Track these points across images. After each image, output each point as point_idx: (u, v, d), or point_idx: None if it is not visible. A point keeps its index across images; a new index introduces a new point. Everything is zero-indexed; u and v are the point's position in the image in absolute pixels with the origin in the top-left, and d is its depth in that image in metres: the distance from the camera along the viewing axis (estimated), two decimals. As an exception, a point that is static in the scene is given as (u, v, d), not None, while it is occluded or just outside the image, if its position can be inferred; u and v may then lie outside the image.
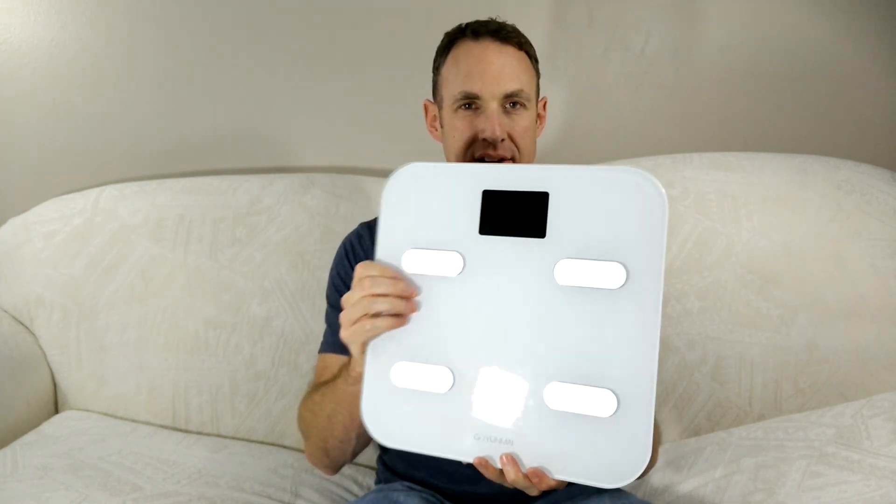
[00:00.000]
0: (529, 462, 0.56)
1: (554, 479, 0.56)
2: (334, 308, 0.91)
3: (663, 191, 0.53)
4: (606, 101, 1.32)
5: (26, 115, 1.32)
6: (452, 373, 0.59)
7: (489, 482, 0.85)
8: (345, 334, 0.63)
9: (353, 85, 1.32)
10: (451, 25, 0.92)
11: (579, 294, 0.55)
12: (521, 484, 0.58)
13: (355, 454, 0.84)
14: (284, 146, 1.35)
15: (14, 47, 1.28)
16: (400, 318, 0.60)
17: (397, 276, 0.61)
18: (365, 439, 0.81)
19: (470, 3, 1.26)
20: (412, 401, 0.60)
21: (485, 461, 0.58)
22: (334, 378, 0.78)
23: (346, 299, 0.62)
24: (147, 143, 1.34)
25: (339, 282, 0.92)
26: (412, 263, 0.61)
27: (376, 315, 0.60)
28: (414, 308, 0.60)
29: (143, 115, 1.33)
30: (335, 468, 0.86)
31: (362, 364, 0.62)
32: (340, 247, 0.95)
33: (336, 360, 0.86)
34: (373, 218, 0.97)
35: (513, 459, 0.57)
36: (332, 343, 0.88)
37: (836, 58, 1.28)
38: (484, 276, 0.58)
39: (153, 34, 1.29)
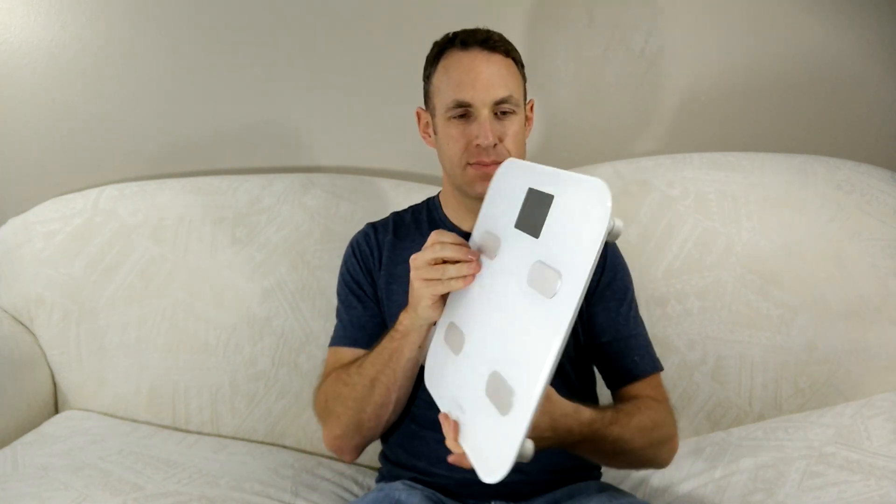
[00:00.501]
0: (465, 436, 0.62)
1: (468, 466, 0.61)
2: (344, 305, 0.95)
3: (607, 207, 0.53)
4: (606, 101, 1.32)
5: (26, 115, 1.32)
6: (464, 340, 0.69)
7: None
8: (418, 285, 0.73)
9: (353, 85, 1.32)
10: (452, 27, 0.94)
11: (531, 297, 0.60)
12: (451, 447, 0.64)
13: (388, 425, 0.88)
14: (284, 146, 1.35)
15: (14, 47, 1.28)
16: (468, 279, 0.70)
17: (463, 243, 0.72)
18: (402, 405, 0.87)
19: (471, 5, 1.27)
20: (444, 356, 0.72)
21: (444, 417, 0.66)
22: (369, 351, 0.85)
23: (416, 258, 0.73)
24: (147, 143, 1.34)
25: (349, 278, 0.95)
26: (481, 238, 0.73)
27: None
28: (479, 269, 0.70)
29: (143, 115, 1.33)
30: (361, 447, 0.90)
31: (436, 314, 0.75)
32: (348, 246, 0.99)
33: (350, 352, 0.90)
34: (379, 219, 1.01)
35: (446, 418, 0.65)
36: (344, 337, 0.93)
37: (837, 58, 1.28)
38: (502, 266, 0.67)
39: (153, 34, 1.29)
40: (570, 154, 1.33)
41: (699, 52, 1.29)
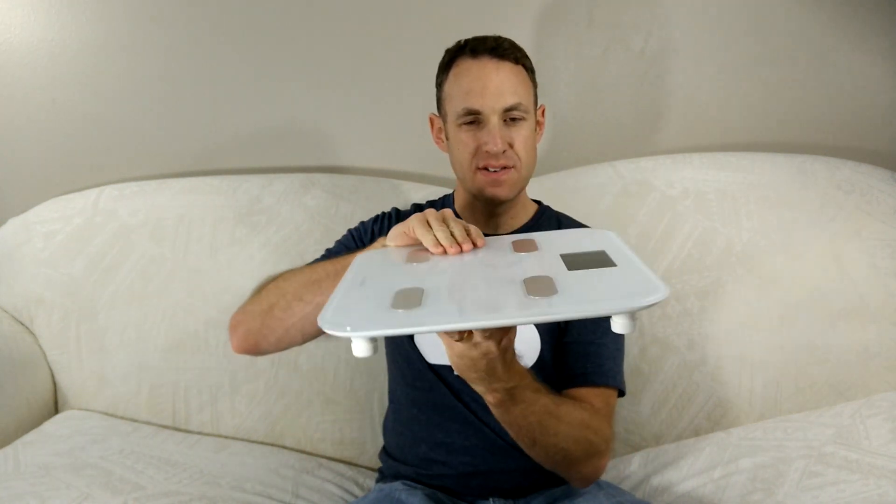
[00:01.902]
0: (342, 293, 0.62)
1: None
2: (332, 253, 0.97)
3: (642, 303, 0.54)
4: (606, 101, 1.32)
5: (26, 115, 1.32)
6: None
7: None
8: (415, 216, 0.70)
9: (353, 85, 1.32)
10: (454, 29, 0.95)
11: (515, 285, 0.60)
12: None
13: (285, 336, 0.85)
14: (284, 146, 1.35)
15: (14, 47, 1.28)
16: (438, 248, 0.67)
17: (477, 241, 0.69)
18: (308, 326, 0.83)
19: (471, 5, 1.27)
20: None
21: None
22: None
23: (430, 212, 0.71)
24: (147, 143, 1.34)
25: (354, 240, 0.98)
26: (518, 238, 0.72)
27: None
28: (467, 249, 0.67)
29: (143, 115, 1.33)
30: (253, 338, 0.86)
31: (397, 239, 0.71)
32: (372, 218, 1.02)
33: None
34: (404, 208, 1.04)
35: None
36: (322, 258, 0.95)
37: (837, 58, 1.28)
38: (521, 259, 0.66)
39: (153, 34, 1.29)
40: (570, 154, 1.33)
41: (699, 52, 1.29)
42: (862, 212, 1.12)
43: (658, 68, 1.30)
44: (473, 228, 0.70)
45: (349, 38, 1.30)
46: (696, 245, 1.13)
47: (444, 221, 0.70)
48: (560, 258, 0.65)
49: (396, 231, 0.73)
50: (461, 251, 0.67)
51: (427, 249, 0.68)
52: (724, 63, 1.30)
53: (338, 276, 0.76)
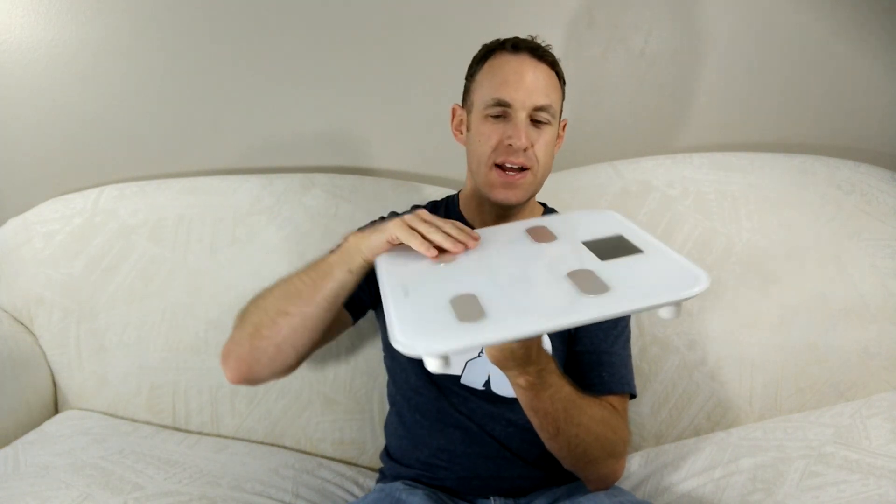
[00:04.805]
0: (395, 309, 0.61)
1: None
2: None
3: (692, 291, 0.59)
4: (606, 101, 1.32)
5: (26, 115, 1.32)
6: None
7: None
8: (395, 221, 0.70)
9: (353, 85, 1.32)
10: (453, 27, 0.95)
11: (563, 283, 0.62)
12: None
13: (278, 356, 0.80)
14: (284, 146, 1.35)
15: (14, 47, 1.28)
16: (431, 251, 0.66)
17: (474, 235, 0.69)
18: (298, 341, 0.80)
19: (473, 6, 1.26)
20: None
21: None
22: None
23: (423, 214, 0.70)
24: (147, 143, 1.34)
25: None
26: (531, 226, 0.72)
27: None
28: (460, 250, 0.67)
29: (143, 115, 1.33)
30: (245, 363, 0.82)
31: (377, 251, 0.70)
32: (371, 221, 1.00)
33: None
34: (403, 211, 1.02)
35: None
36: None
37: (837, 58, 1.28)
38: (546, 251, 0.68)
39: (153, 34, 1.29)
40: (570, 154, 1.33)
41: (699, 52, 1.29)
42: (862, 212, 1.12)
43: (658, 68, 1.30)
44: (457, 224, 0.70)
45: (350, 38, 1.29)
46: (696, 245, 1.13)
47: (428, 222, 0.69)
48: (584, 247, 0.66)
49: (377, 242, 0.71)
50: (466, 248, 0.67)
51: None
52: (723, 63, 1.30)
53: (316, 285, 0.77)
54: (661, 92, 1.31)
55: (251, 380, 0.84)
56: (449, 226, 0.69)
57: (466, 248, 0.67)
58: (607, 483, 0.84)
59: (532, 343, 0.67)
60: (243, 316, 0.84)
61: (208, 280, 1.17)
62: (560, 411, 0.75)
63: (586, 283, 0.59)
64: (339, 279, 0.76)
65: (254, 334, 0.80)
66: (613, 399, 0.87)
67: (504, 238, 0.70)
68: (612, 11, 1.28)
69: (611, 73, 1.31)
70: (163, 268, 1.18)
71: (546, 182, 0.94)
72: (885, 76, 1.28)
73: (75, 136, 1.33)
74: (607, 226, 0.70)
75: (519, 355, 0.67)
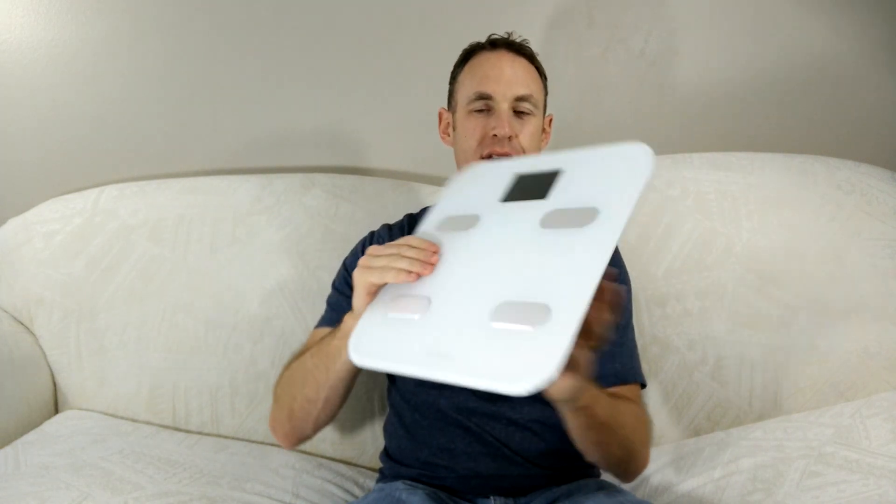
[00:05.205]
0: (463, 374, 0.57)
1: None
2: (338, 290, 0.97)
3: (647, 157, 0.62)
4: (606, 101, 1.32)
5: (26, 115, 1.32)
6: (431, 301, 0.63)
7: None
8: (357, 272, 0.68)
9: (353, 85, 1.32)
10: (455, 30, 0.97)
11: (553, 234, 0.62)
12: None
13: (317, 425, 0.88)
14: (284, 146, 1.35)
15: (14, 47, 1.28)
16: (410, 274, 0.65)
17: (432, 246, 0.68)
18: (331, 409, 0.87)
19: (472, 6, 1.27)
20: (395, 326, 0.64)
21: None
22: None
23: (372, 249, 0.68)
24: (147, 143, 1.34)
25: (350, 265, 0.98)
26: (441, 225, 0.71)
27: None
28: (428, 271, 0.66)
29: (143, 115, 1.33)
30: (294, 435, 0.90)
31: (364, 305, 0.67)
32: (360, 240, 1.02)
33: (325, 333, 0.90)
34: (395, 221, 1.04)
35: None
36: (329, 319, 0.95)
37: (836, 58, 1.28)
38: (489, 229, 0.67)
39: (153, 34, 1.29)
40: (570, 154, 1.33)
41: (699, 52, 1.29)
42: (862, 212, 1.12)
43: (658, 68, 1.30)
44: (411, 242, 0.67)
45: (350, 38, 1.30)
46: (696, 245, 1.13)
47: (386, 252, 0.67)
48: (509, 203, 0.67)
49: (360, 301, 0.68)
50: (434, 262, 0.66)
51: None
52: (724, 63, 1.30)
53: (329, 369, 0.79)
54: (661, 92, 1.31)
55: (305, 440, 0.92)
56: (407, 248, 0.67)
57: (433, 262, 0.66)
58: (640, 471, 0.85)
59: (581, 362, 0.62)
60: (276, 394, 0.90)
61: (208, 280, 1.17)
62: (610, 417, 0.75)
63: (570, 218, 0.60)
64: (346, 359, 0.77)
65: (290, 416, 0.88)
66: (626, 389, 0.88)
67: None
68: (612, 11, 1.28)
69: (611, 73, 1.31)
70: (163, 268, 1.18)
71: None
72: (885, 76, 1.28)
73: (75, 136, 1.33)
74: (496, 176, 0.71)
75: (579, 381, 0.63)
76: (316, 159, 1.35)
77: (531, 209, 0.65)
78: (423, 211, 1.04)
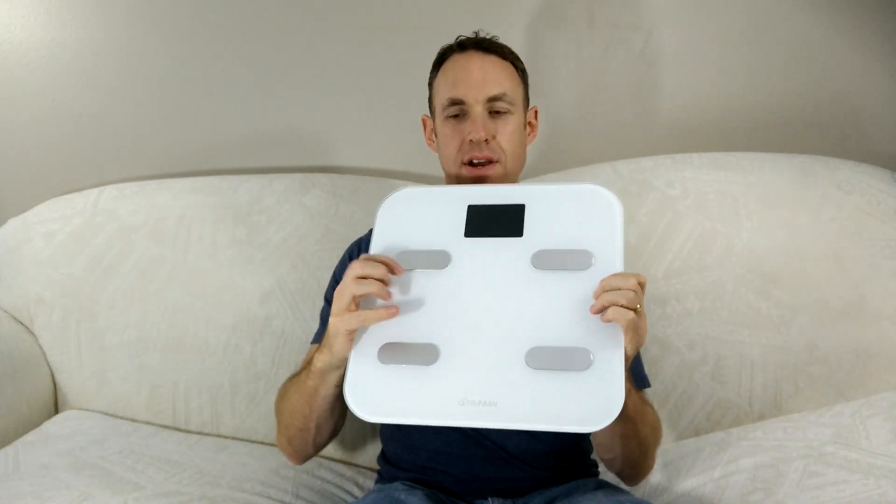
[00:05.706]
0: (516, 421, 0.62)
1: None
2: (329, 303, 0.95)
3: (615, 198, 0.68)
4: (606, 101, 1.32)
5: (26, 115, 1.32)
6: (438, 348, 0.64)
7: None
8: (333, 321, 0.68)
9: (353, 85, 1.32)
10: (453, 28, 0.96)
11: (552, 276, 0.65)
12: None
13: (318, 446, 0.89)
14: (284, 146, 1.35)
15: (14, 47, 1.28)
16: (390, 310, 0.66)
17: (385, 258, 0.68)
18: (327, 433, 0.88)
19: (471, 6, 1.27)
20: (398, 376, 0.65)
21: None
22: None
23: (337, 291, 0.69)
24: (147, 143, 1.34)
25: (340, 276, 0.95)
26: (404, 261, 0.69)
27: (366, 305, 0.67)
28: (389, 286, 0.67)
29: (143, 115, 1.33)
30: (299, 457, 0.91)
31: (347, 350, 0.68)
32: (346, 250, 1.00)
33: None
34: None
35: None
36: (322, 335, 0.92)
37: (837, 58, 1.28)
38: (469, 268, 0.68)
39: (153, 34, 1.29)
40: (570, 154, 1.33)
41: (699, 52, 1.29)
42: (862, 212, 1.12)
43: (658, 68, 1.30)
44: (371, 262, 0.68)
45: (349, 38, 1.30)
46: (696, 245, 1.13)
47: (353, 292, 0.67)
48: (477, 239, 0.69)
49: (341, 347, 0.68)
50: (394, 274, 0.67)
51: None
52: (724, 63, 1.30)
53: (317, 391, 0.79)
54: (661, 92, 1.31)
55: (310, 458, 0.93)
56: (368, 267, 0.67)
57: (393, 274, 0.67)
58: (647, 474, 0.87)
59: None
60: (276, 417, 0.90)
61: (208, 280, 1.17)
62: (636, 412, 0.76)
63: (566, 261, 0.65)
64: (331, 381, 0.76)
65: (290, 442, 0.88)
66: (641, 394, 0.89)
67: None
68: (612, 11, 1.28)
69: (611, 73, 1.31)
70: (163, 268, 1.18)
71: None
72: (885, 76, 1.28)
73: (75, 136, 1.33)
74: (448, 204, 0.72)
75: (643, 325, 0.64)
76: (316, 159, 1.35)
77: (511, 247, 0.67)
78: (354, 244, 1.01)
